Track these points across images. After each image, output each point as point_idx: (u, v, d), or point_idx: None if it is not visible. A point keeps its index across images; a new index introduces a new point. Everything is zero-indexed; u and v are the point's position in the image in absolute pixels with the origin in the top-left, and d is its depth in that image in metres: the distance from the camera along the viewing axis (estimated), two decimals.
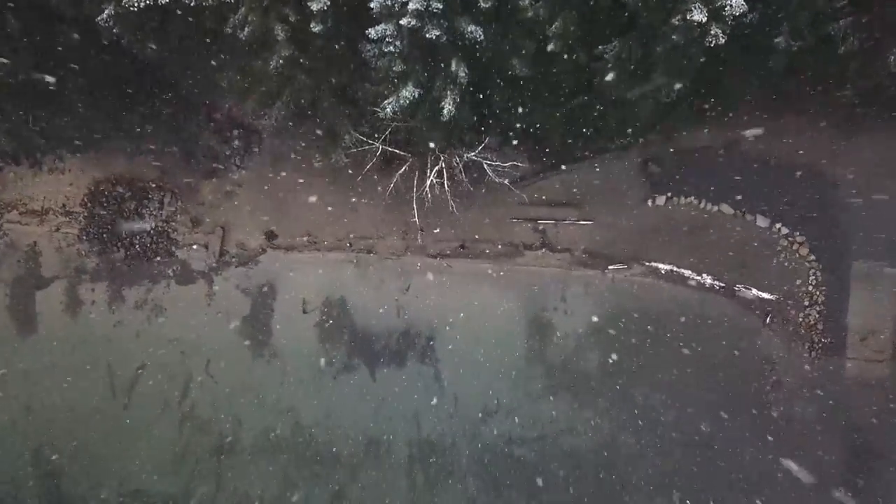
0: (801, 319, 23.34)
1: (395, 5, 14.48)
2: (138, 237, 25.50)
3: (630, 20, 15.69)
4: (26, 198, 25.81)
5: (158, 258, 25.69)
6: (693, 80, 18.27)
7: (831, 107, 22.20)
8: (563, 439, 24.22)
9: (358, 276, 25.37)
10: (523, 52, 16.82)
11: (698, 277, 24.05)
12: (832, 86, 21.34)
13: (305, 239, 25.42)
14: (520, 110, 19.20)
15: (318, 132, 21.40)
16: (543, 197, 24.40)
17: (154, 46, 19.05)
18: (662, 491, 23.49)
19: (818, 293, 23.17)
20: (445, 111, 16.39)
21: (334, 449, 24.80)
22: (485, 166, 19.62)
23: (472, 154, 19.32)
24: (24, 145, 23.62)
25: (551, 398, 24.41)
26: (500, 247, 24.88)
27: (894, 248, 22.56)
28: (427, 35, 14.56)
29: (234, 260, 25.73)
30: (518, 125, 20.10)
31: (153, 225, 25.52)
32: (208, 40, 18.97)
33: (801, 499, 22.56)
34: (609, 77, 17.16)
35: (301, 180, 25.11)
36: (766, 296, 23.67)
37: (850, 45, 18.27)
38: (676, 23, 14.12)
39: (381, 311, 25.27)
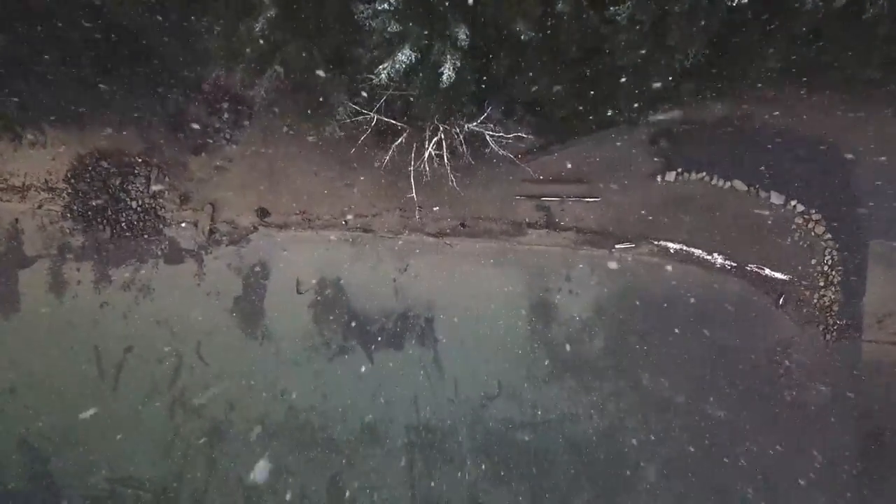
0: (815, 301, 22.60)
1: None
2: (124, 214, 24.50)
3: None
4: (6, 173, 24.70)
5: (146, 236, 24.73)
6: (710, 45, 17.27)
7: (852, 78, 21.19)
8: (567, 424, 23.59)
9: (354, 256, 24.52)
10: (528, 12, 15.66)
11: (709, 257, 23.21)
12: (854, 55, 20.36)
13: (299, 216, 24.48)
14: (524, 78, 18.08)
15: (311, 104, 20.40)
16: (548, 173, 23.40)
17: (133, 9, 18.00)
18: (669, 478, 22.93)
19: (834, 273, 22.40)
20: (445, 77, 15.55)
21: (330, 434, 24.14)
22: (487, 137, 18.53)
23: (474, 125, 18.22)
24: (2, 118, 22.71)
25: (555, 382, 23.72)
26: (502, 225, 23.99)
27: None
28: None
29: (224, 238, 24.81)
30: (522, 94, 18.99)
31: (140, 202, 24.51)
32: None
33: (812, 485, 22.02)
34: (621, 40, 16.07)
35: (294, 155, 24.05)
36: (779, 276, 22.84)
37: (878, 7, 17.13)
38: None
39: (378, 291, 24.46)
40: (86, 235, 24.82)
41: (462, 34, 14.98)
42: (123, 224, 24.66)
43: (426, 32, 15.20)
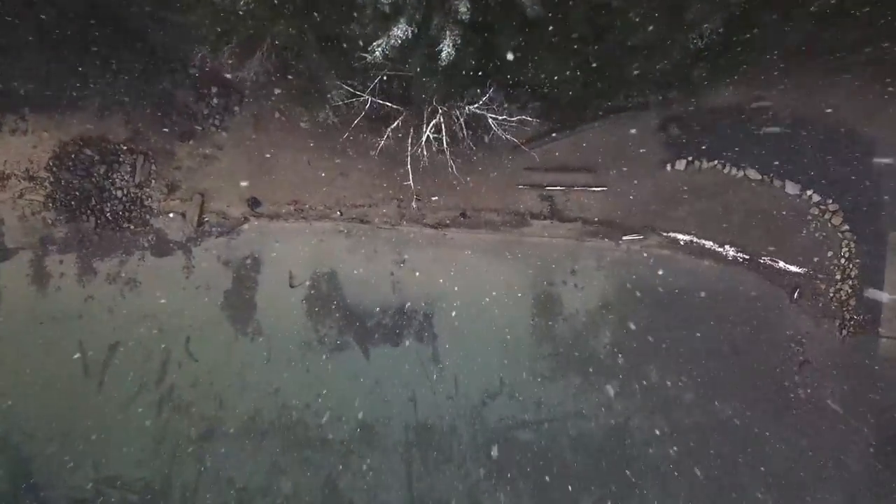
0: (832, 294, 21.83)
1: None
2: (109, 204, 23.48)
3: None
4: None
5: (132, 227, 23.71)
6: (727, 24, 16.29)
7: (870, 62, 20.46)
8: (571, 422, 22.77)
9: (349, 247, 23.60)
10: None
11: (720, 249, 22.37)
12: (874, 37, 19.43)
13: (292, 207, 23.50)
14: (529, 58, 17.04)
15: (304, 87, 19.49)
16: (553, 160, 22.45)
17: None
18: (677, 478, 22.08)
19: (851, 266, 21.63)
20: (444, 55, 14.59)
21: (325, 433, 23.24)
22: (489, 121, 17.48)
23: (475, 107, 17.17)
24: None
25: (559, 379, 22.89)
26: (504, 216, 23.07)
27: None
28: None
29: (214, 229, 23.82)
30: (527, 75, 17.95)
31: (125, 191, 23.48)
32: None
33: (828, 483, 21.36)
34: (634, 17, 15.05)
35: (286, 142, 23.07)
36: (794, 269, 22.01)
37: None
38: None
39: (374, 285, 23.59)
40: (69, 226, 23.77)
41: (463, 6, 13.93)
42: (108, 214, 23.66)
43: (424, 5, 14.14)
